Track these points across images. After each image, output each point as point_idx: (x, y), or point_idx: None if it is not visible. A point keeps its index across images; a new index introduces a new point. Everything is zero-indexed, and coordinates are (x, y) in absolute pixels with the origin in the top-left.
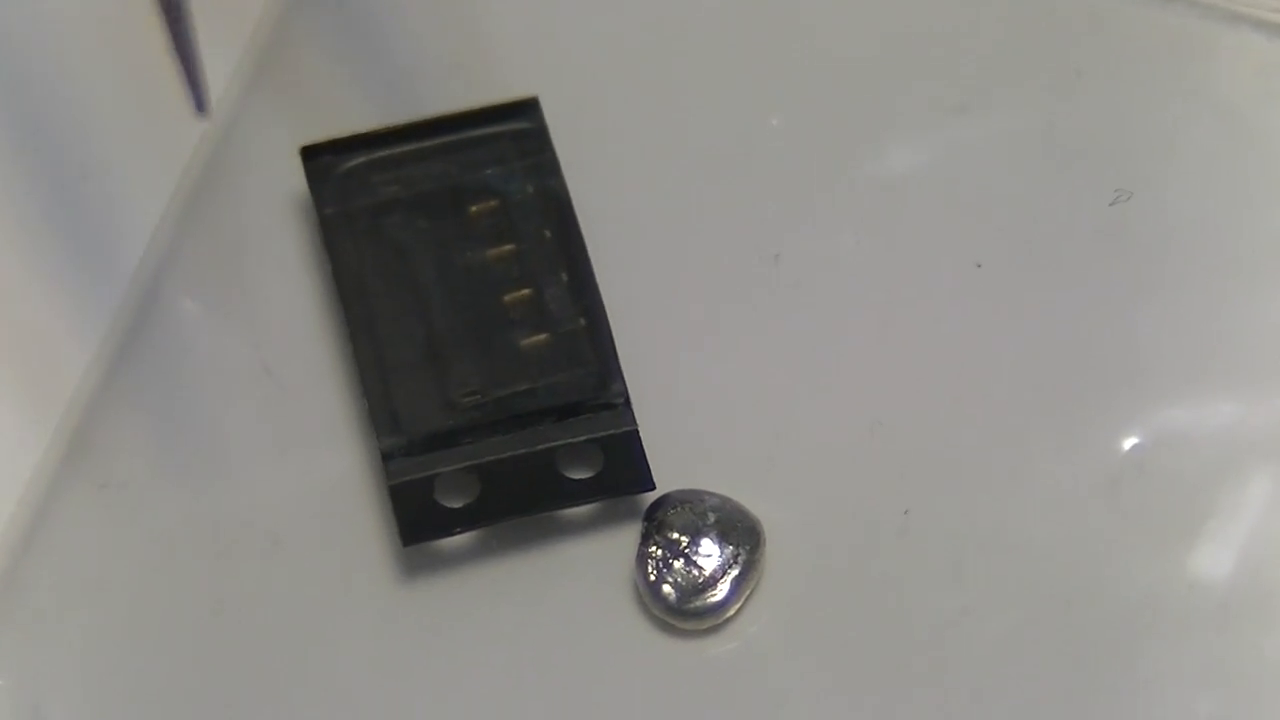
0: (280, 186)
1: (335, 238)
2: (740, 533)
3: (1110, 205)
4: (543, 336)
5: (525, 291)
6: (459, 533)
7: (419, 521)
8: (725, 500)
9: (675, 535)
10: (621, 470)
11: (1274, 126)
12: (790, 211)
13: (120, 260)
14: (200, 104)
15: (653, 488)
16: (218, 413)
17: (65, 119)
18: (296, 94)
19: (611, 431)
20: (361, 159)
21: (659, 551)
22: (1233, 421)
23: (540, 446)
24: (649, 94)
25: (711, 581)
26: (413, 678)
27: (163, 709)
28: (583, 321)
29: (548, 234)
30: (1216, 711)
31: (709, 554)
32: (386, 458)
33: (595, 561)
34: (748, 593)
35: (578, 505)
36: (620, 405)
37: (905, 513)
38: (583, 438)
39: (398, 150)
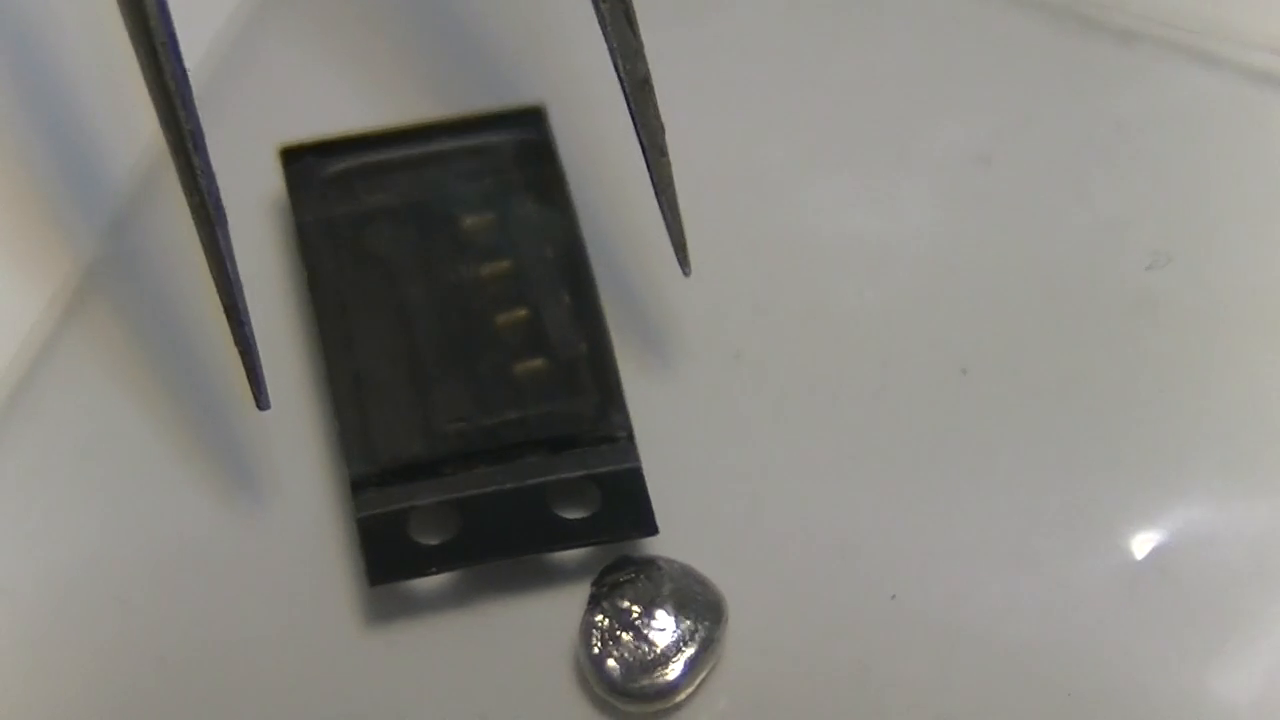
0: (255, 189)
1: (313, 246)
2: (700, 606)
3: (1146, 270)
4: (538, 362)
5: (521, 312)
6: (433, 573)
7: (389, 559)
8: (686, 568)
9: (626, 604)
10: (621, 511)
11: None
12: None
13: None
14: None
15: (655, 531)
16: (174, 430)
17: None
18: (281, 91)
19: (612, 468)
20: (347, 164)
21: (605, 621)
22: (1266, 527)
23: (530, 481)
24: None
25: (663, 659)
26: None
27: None
28: (584, 348)
29: (549, 253)
30: None
31: (662, 628)
32: (356, 487)
33: (545, 622)
34: (703, 674)
35: (570, 548)
36: (623, 439)
37: (892, 598)
38: (579, 473)
39: (387, 156)
